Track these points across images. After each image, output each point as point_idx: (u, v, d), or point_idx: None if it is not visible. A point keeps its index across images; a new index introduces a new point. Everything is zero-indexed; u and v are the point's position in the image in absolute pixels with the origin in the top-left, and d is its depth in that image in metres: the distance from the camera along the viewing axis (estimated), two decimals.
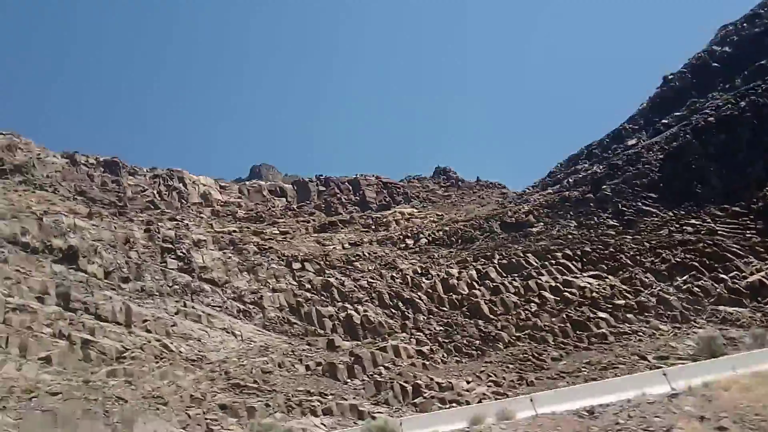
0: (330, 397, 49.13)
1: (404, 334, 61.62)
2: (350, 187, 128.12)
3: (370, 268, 73.20)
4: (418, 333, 61.48)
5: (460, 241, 75.68)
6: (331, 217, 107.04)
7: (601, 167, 72.98)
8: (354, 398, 49.48)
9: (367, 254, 76.03)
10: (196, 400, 43.00)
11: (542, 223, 71.51)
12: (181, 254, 71.66)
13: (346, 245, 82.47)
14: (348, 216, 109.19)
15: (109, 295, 53.43)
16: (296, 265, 74.48)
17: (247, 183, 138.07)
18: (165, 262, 69.48)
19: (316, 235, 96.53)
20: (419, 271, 70.90)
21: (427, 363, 55.44)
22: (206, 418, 41.21)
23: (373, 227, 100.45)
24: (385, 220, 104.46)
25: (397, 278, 70.29)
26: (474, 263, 69.90)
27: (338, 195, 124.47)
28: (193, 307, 60.08)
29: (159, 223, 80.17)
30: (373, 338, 61.83)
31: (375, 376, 53.66)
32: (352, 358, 56.07)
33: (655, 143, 71.36)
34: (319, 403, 47.70)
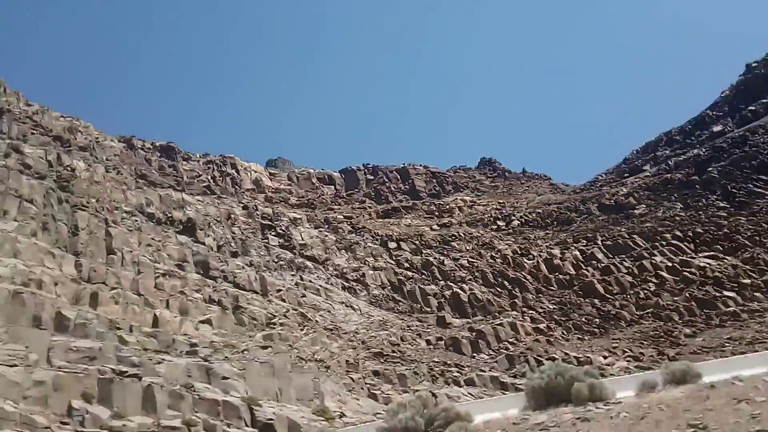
0: (467, 369, 49.04)
1: (515, 312, 61.43)
2: (398, 176, 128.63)
3: (467, 248, 73.07)
4: (530, 311, 61.27)
5: (555, 223, 75.34)
6: (381, 205, 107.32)
7: (704, 150, 72.26)
8: (490, 370, 49.41)
9: (462, 235, 75.90)
10: (351, 365, 43.08)
11: (644, 205, 71.02)
12: (281, 231, 71.90)
13: (434, 227, 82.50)
14: (410, 203, 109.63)
15: (242, 264, 53.66)
16: (392, 245, 74.56)
17: (296, 170, 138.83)
18: (266, 238, 69.71)
19: (381, 220, 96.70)
20: (519, 252, 70.70)
21: (552, 339, 55.28)
22: (366, 383, 41.27)
23: (437, 213, 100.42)
24: (447, 206, 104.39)
25: (496, 258, 70.11)
26: (575, 244, 69.56)
27: (387, 184, 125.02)
28: (310, 281, 60.24)
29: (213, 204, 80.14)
30: (484, 316, 61.72)
31: (502, 350, 53.57)
32: (474, 333, 56.02)
33: (759, 127, 70.61)
34: (459, 374, 47.67)
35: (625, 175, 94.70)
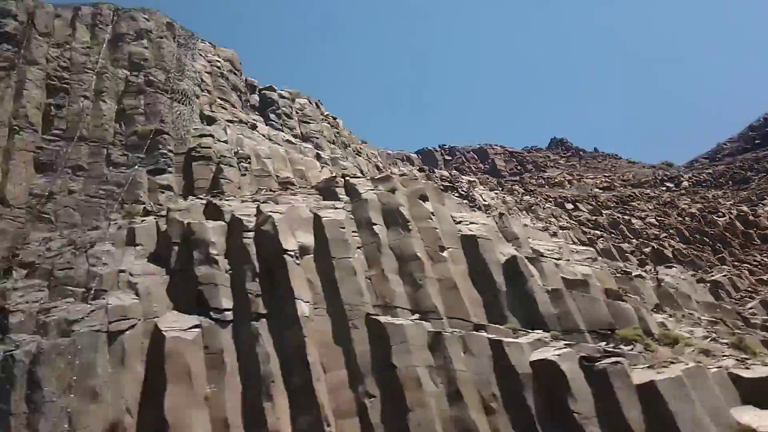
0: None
1: (726, 266, 60.96)
2: (476, 156, 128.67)
3: (648, 207, 72.61)
4: (742, 264, 60.80)
5: (731, 182, 74.84)
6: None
7: None
8: (753, 316, 48.97)
9: (638, 194, 75.47)
10: None
11: None
12: (463, 192, 71.46)
13: (596, 189, 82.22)
14: (516, 177, 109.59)
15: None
16: (569, 206, 74.16)
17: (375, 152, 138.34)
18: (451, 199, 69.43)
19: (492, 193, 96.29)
20: (705, 209, 70.18)
21: None
22: None
23: (546, 187, 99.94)
24: (556, 180, 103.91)
25: (684, 216, 69.64)
26: (762, 201, 69.17)
27: (466, 164, 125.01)
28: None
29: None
30: (695, 270, 61.22)
31: (746, 298, 53.08)
32: (708, 285, 55.55)
33: None
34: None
35: (756, 141, 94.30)
